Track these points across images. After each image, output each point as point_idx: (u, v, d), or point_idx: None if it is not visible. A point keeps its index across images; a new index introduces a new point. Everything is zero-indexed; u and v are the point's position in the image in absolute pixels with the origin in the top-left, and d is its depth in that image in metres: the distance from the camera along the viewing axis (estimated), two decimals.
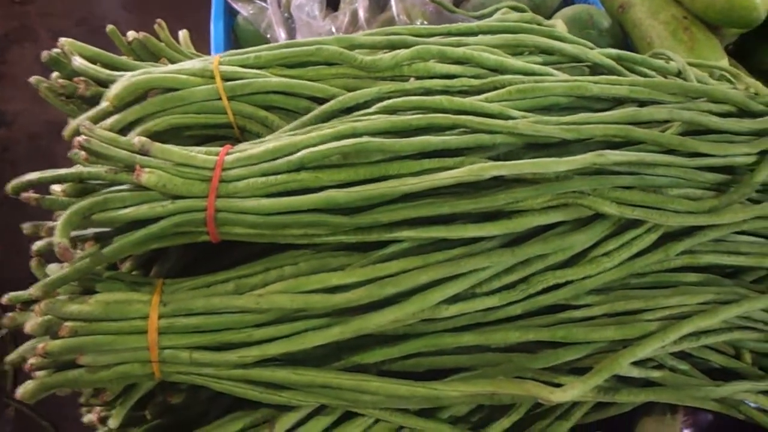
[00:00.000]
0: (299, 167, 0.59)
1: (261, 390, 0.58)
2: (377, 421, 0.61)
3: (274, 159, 0.59)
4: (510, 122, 0.62)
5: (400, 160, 0.60)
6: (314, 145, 0.59)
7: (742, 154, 0.67)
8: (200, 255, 0.68)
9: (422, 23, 1.10)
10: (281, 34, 1.19)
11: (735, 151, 0.67)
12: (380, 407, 0.60)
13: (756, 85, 1.02)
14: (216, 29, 1.25)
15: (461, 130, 0.62)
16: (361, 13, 1.11)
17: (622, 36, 1.24)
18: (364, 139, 0.59)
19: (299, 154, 0.59)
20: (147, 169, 0.57)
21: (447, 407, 0.62)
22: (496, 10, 1.14)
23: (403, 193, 0.58)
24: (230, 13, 1.33)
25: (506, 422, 0.62)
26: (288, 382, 0.58)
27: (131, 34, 0.83)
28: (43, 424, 1.54)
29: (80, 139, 0.58)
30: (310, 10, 1.11)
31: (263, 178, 0.58)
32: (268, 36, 1.23)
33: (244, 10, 1.28)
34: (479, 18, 1.10)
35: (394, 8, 1.10)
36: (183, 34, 0.92)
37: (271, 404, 0.60)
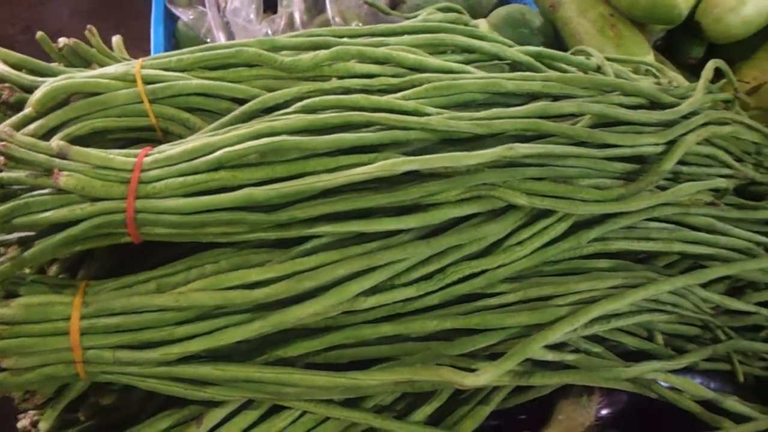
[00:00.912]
0: (217, 166, 0.60)
1: (186, 386, 0.59)
2: (303, 413, 0.63)
3: (192, 159, 0.60)
4: (424, 119, 0.64)
5: (316, 157, 0.61)
6: (232, 145, 0.60)
7: (650, 144, 0.70)
8: (127, 256, 0.69)
9: (357, 25, 1.12)
10: (221, 39, 1.20)
11: (643, 141, 0.70)
12: (304, 399, 0.61)
13: (678, 78, 1.06)
14: (156, 35, 1.26)
15: (377, 127, 0.64)
16: (297, 16, 1.12)
17: (553, 34, 1.28)
18: (281, 137, 0.61)
19: (217, 153, 0.60)
20: (65, 173, 0.58)
21: (371, 397, 0.64)
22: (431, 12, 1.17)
23: (320, 190, 0.60)
24: (171, 19, 1.34)
25: (428, 409, 0.64)
26: (211, 377, 0.59)
27: (62, 41, 0.83)
28: None
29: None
30: (246, 14, 1.12)
31: (181, 178, 0.59)
32: (208, 41, 1.24)
33: (185, 16, 1.28)
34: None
35: (329, 11, 1.11)
36: (116, 39, 0.92)
37: (198, 401, 0.61)
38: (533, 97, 0.74)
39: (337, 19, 1.10)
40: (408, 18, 1.15)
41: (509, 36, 1.13)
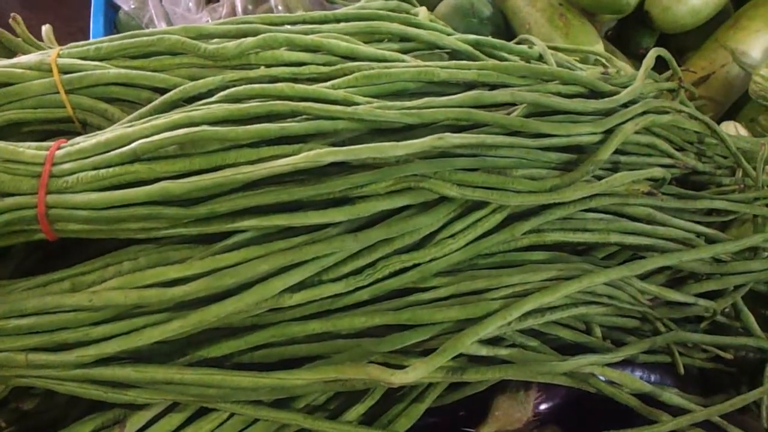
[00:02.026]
0: (133, 159, 0.57)
1: (105, 390, 0.57)
2: (231, 415, 0.61)
3: (106, 151, 0.58)
4: (351, 108, 0.61)
5: (237, 148, 0.59)
6: (148, 136, 0.58)
7: (587, 133, 0.69)
8: (47, 255, 0.66)
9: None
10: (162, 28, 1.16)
11: (579, 131, 0.68)
12: (230, 400, 0.59)
13: (626, 68, 1.05)
14: (95, 24, 1.22)
15: (303, 117, 0.62)
16: (239, 5, 1.09)
17: (503, 24, 1.26)
18: (200, 128, 0.58)
19: (132, 145, 0.57)
20: None
21: (302, 397, 0.62)
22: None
23: (242, 182, 0.58)
24: (112, 8, 1.30)
25: (361, 408, 0.62)
26: (130, 380, 0.56)
27: None
28: None
29: None
30: (185, 3, 1.08)
31: (94, 172, 0.57)
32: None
33: (126, 5, 1.24)
34: None
35: (272, 0, 1.08)
36: (45, 29, 0.88)
37: (121, 404, 0.59)
38: (469, 86, 0.72)
39: (281, 8, 1.08)
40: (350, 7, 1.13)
41: (458, 26, 1.12)
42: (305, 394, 0.61)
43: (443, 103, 0.65)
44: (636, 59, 1.25)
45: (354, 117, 0.61)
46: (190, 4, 1.09)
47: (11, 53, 0.80)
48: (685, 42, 1.23)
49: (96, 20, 1.22)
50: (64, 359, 0.55)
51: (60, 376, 0.56)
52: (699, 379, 0.77)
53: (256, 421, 0.61)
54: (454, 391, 0.66)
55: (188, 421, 0.60)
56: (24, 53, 0.79)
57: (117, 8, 1.27)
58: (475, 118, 0.65)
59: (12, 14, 0.85)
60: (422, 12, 0.86)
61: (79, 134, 0.68)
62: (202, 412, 0.61)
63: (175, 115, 0.59)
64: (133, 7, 1.23)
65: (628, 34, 1.27)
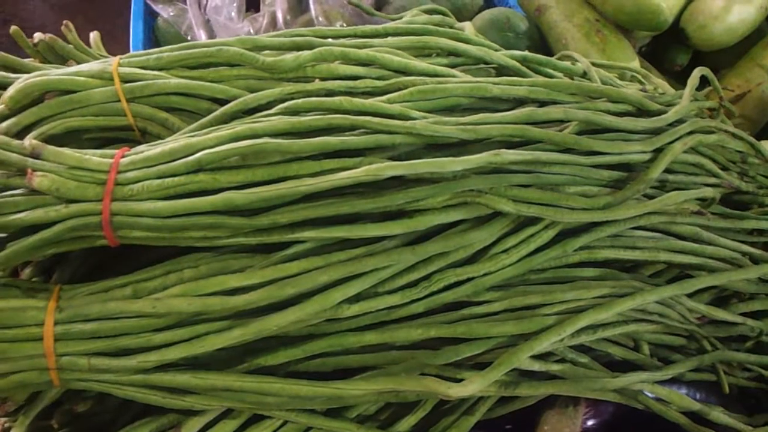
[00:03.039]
0: (197, 169, 0.58)
1: (164, 395, 0.58)
2: (285, 422, 0.61)
3: (171, 161, 0.59)
4: (408, 123, 0.62)
5: (299, 160, 0.60)
6: (212, 147, 0.59)
7: (637, 152, 0.70)
8: (105, 260, 0.67)
9: (341, 25, 1.11)
10: (202, 37, 1.18)
11: (630, 149, 0.69)
12: (285, 408, 0.60)
13: (663, 84, 1.06)
14: (135, 31, 1.24)
15: (362, 131, 0.63)
16: (280, 16, 1.10)
17: (539, 38, 1.27)
18: (263, 140, 0.59)
19: (197, 155, 0.58)
20: (39, 173, 0.56)
21: (354, 406, 0.62)
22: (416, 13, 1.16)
23: (303, 194, 0.58)
24: (151, 15, 1.31)
25: (413, 419, 0.62)
26: (189, 386, 0.57)
27: (37, 36, 0.81)
28: None
29: None
30: (227, 12, 1.10)
31: (159, 180, 0.58)
32: (189, 38, 1.21)
33: (165, 12, 1.26)
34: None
35: (312, 11, 1.10)
36: (94, 35, 0.90)
37: (176, 409, 0.59)
38: (519, 102, 0.73)
39: (321, 19, 1.09)
40: (392, 19, 1.14)
41: (494, 39, 1.13)
42: (358, 404, 0.62)
43: (498, 119, 0.66)
44: (670, 76, 1.25)
45: (412, 132, 0.62)
46: (233, 14, 1.10)
47: (63, 60, 0.82)
48: (720, 60, 1.23)
49: (136, 27, 1.24)
50: (126, 364, 0.56)
51: (120, 381, 0.57)
52: (740, 398, 0.77)
53: (308, 429, 0.61)
54: (502, 405, 0.66)
55: (242, 428, 0.61)
56: (75, 60, 0.81)
57: (156, 15, 1.29)
58: (529, 134, 0.66)
59: (65, 21, 0.87)
60: (468, 27, 0.87)
61: (138, 142, 0.69)
62: (255, 419, 0.61)
63: (238, 127, 0.60)
64: (172, 14, 1.24)
65: (663, 51, 1.28)
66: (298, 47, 0.73)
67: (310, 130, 0.62)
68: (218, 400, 0.58)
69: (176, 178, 0.58)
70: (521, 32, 1.22)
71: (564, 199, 0.64)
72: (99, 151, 0.60)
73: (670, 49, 1.26)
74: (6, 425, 0.66)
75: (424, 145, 0.65)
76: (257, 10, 1.23)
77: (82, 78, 0.66)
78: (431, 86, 0.68)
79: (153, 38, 1.29)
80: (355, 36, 0.77)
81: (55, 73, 0.68)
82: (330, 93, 0.68)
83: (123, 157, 0.59)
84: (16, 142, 0.58)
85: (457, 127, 0.64)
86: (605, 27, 1.16)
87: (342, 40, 0.76)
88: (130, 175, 0.58)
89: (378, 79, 0.71)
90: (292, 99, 0.66)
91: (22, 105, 0.66)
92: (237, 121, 0.64)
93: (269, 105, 0.66)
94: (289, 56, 0.69)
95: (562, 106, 0.70)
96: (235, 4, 1.12)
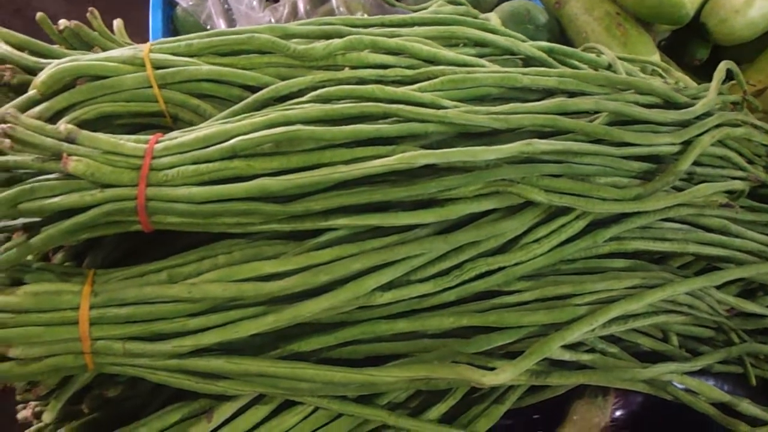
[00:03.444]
0: (231, 155, 0.58)
1: (197, 380, 0.58)
2: (316, 408, 0.61)
3: (205, 147, 0.59)
4: (441, 111, 0.62)
5: (332, 148, 0.60)
6: (246, 133, 0.59)
7: (666, 143, 0.70)
8: (137, 245, 0.67)
9: (362, 15, 1.11)
10: (221, 25, 1.18)
11: (659, 141, 0.69)
12: (318, 395, 0.60)
13: (684, 78, 1.06)
14: (154, 19, 1.23)
15: (394, 119, 0.63)
16: (301, 5, 1.10)
17: (558, 31, 1.27)
18: (297, 127, 0.59)
19: (231, 141, 0.58)
20: (74, 157, 0.56)
21: (385, 393, 0.62)
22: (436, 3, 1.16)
23: (336, 181, 0.59)
24: (170, 4, 1.31)
25: (443, 407, 0.63)
26: (223, 371, 0.57)
27: (62, 23, 0.81)
28: None
29: (4, 126, 0.56)
30: (249, 1, 1.10)
31: (194, 166, 0.58)
32: (208, 27, 1.21)
33: (184, 1, 1.26)
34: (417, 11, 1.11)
35: (333, 1, 1.10)
36: (117, 23, 0.90)
37: (209, 394, 0.60)
38: (548, 92, 0.73)
39: (342, 9, 1.09)
40: (414, 10, 1.14)
41: (514, 31, 1.13)
42: (389, 392, 0.62)
43: (529, 108, 0.66)
44: (689, 70, 1.25)
45: (444, 120, 0.62)
46: (254, 3, 1.10)
47: (88, 47, 0.82)
48: (740, 54, 1.22)
49: (155, 16, 1.23)
50: (161, 349, 0.56)
51: (154, 366, 0.57)
52: (765, 390, 0.77)
53: (339, 416, 0.62)
54: (532, 394, 0.66)
55: (273, 414, 0.61)
56: (101, 47, 0.81)
57: (174, 4, 1.29)
58: (560, 125, 0.66)
59: (90, 9, 0.87)
60: (494, 17, 0.87)
61: (169, 128, 0.69)
62: (286, 405, 0.61)
63: (272, 114, 0.60)
64: (191, 4, 1.24)
65: (682, 45, 1.28)
66: (327, 36, 0.73)
67: (342, 118, 0.62)
68: (251, 386, 0.58)
69: (211, 164, 0.58)
70: (541, 25, 1.21)
71: (595, 190, 0.64)
72: (133, 137, 0.60)
73: (689, 43, 1.26)
74: (37, 409, 0.66)
75: (456, 133, 0.65)
76: (275, 0, 1.23)
77: (113, 64, 0.67)
78: (461, 76, 0.68)
79: (172, 27, 1.29)
80: (383, 25, 0.77)
81: (86, 58, 0.68)
82: (361, 81, 0.68)
83: (157, 142, 0.60)
84: (50, 126, 0.59)
85: (489, 116, 0.64)
86: (626, 20, 1.16)
87: (370, 29, 0.76)
88: (165, 160, 0.58)
89: (407, 68, 0.71)
90: (324, 87, 0.65)
91: (54, 90, 0.66)
92: (269, 109, 0.64)
93: (300, 93, 0.66)
94: (320, 44, 0.69)
95: (592, 97, 0.70)
96: None
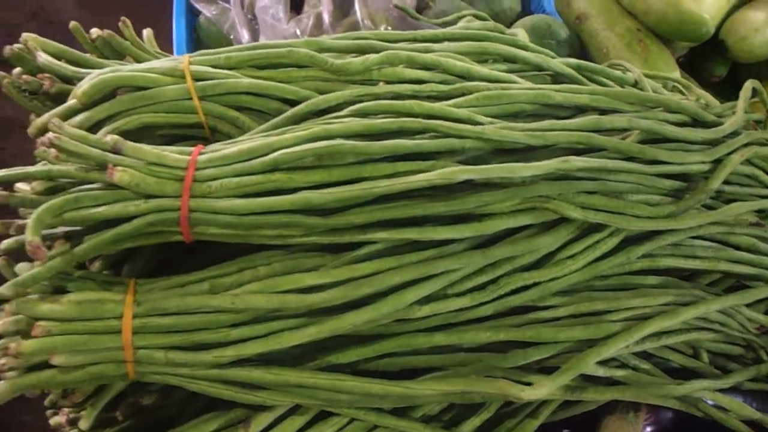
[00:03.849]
0: (273, 168, 0.59)
1: (236, 390, 0.58)
2: (352, 420, 0.62)
3: (248, 159, 0.59)
4: (479, 128, 0.63)
5: (373, 162, 0.60)
6: (288, 147, 0.59)
7: (697, 162, 0.70)
8: (173, 255, 0.67)
9: (386, 28, 1.12)
10: (245, 36, 1.19)
11: (691, 159, 0.70)
12: (355, 406, 0.61)
13: (706, 96, 1.06)
14: (178, 28, 1.24)
15: (432, 134, 0.63)
16: (326, 17, 1.11)
17: (579, 46, 1.28)
18: (338, 141, 0.60)
19: (273, 155, 0.59)
20: (120, 168, 0.57)
21: (420, 406, 0.63)
22: (458, 18, 1.17)
23: (377, 195, 0.59)
24: (192, 13, 1.32)
25: (477, 421, 0.63)
26: (263, 381, 0.58)
27: (95, 32, 0.82)
28: None
29: (50, 136, 0.57)
30: (274, 12, 1.11)
31: (237, 179, 0.58)
32: (231, 37, 1.22)
33: (207, 11, 1.27)
34: (442, 25, 1.12)
35: (358, 13, 1.11)
36: (147, 32, 0.91)
37: (245, 404, 0.60)
38: (579, 109, 0.74)
39: (366, 22, 1.10)
40: (436, 24, 1.15)
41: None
42: (424, 404, 0.63)
43: (564, 126, 0.67)
44: (707, 87, 1.26)
45: (482, 137, 0.63)
46: (281, 14, 1.11)
47: (120, 56, 0.83)
48: (759, 72, 1.23)
49: (178, 24, 1.24)
50: (202, 359, 0.57)
51: (195, 375, 0.58)
52: None
53: (375, 427, 0.62)
54: (564, 409, 0.67)
55: (309, 424, 0.62)
56: (132, 56, 0.82)
57: (197, 13, 1.30)
58: (594, 142, 0.66)
59: (122, 18, 0.87)
60: (522, 33, 0.88)
61: (206, 140, 0.70)
62: (321, 416, 0.62)
63: (314, 128, 0.61)
64: (214, 13, 1.25)
65: (700, 62, 1.29)
66: (362, 50, 0.74)
67: (381, 133, 0.63)
68: (290, 396, 0.59)
69: (253, 177, 0.59)
70: (562, 40, 1.23)
71: (630, 207, 0.65)
72: (176, 148, 0.61)
73: (708, 60, 1.27)
74: (71, 416, 0.67)
75: (492, 149, 0.66)
76: (298, 11, 1.24)
77: (154, 75, 0.67)
78: (496, 92, 0.69)
79: (195, 36, 1.30)
80: (415, 40, 0.78)
81: (126, 69, 0.69)
82: (396, 96, 0.69)
83: (200, 154, 0.60)
84: (94, 137, 0.59)
85: (525, 132, 0.65)
86: (647, 37, 1.17)
87: (402, 44, 0.77)
88: (208, 172, 0.59)
89: (441, 83, 0.72)
90: (361, 101, 0.66)
91: (94, 100, 0.67)
92: (308, 122, 0.65)
93: (339, 107, 0.66)
94: (357, 59, 0.70)
95: (625, 114, 0.71)
96: (281, 5, 1.13)
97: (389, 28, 1.12)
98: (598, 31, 1.21)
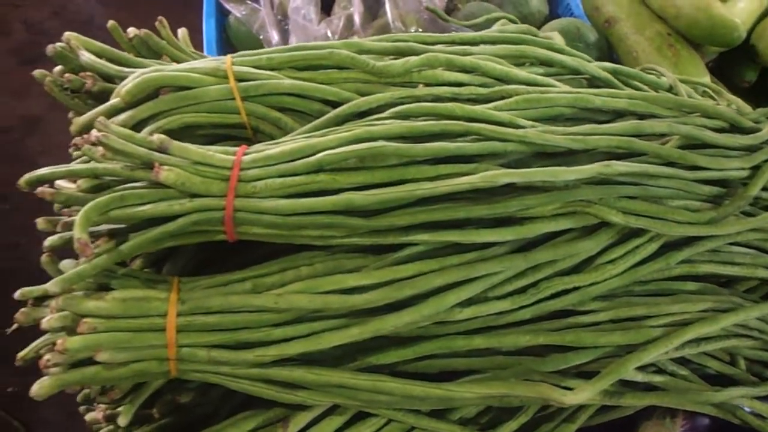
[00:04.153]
0: (317, 169, 0.59)
1: (277, 389, 0.59)
2: (389, 421, 0.62)
3: (292, 160, 0.60)
4: (520, 131, 0.63)
5: (416, 164, 0.61)
6: (332, 148, 0.60)
7: (736, 168, 0.70)
8: (211, 254, 0.68)
9: (416, 30, 1.12)
10: (274, 36, 1.19)
11: (730, 165, 0.70)
12: (394, 407, 0.61)
13: (737, 101, 1.06)
14: (208, 27, 1.25)
15: (474, 137, 0.64)
16: (357, 18, 1.12)
17: (607, 49, 1.27)
18: (381, 143, 0.60)
19: (318, 156, 0.59)
20: (166, 167, 0.58)
21: (457, 409, 0.63)
22: (488, 20, 1.17)
23: (419, 197, 0.60)
24: (222, 13, 1.33)
25: (514, 424, 0.63)
26: (304, 381, 0.58)
27: (132, 31, 0.83)
28: (15, 424, 1.50)
29: (98, 134, 0.58)
30: (306, 13, 1.11)
31: (281, 179, 0.59)
32: (261, 37, 1.23)
33: (237, 11, 1.28)
34: (473, 28, 1.12)
35: (389, 14, 1.11)
36: (182, 32, 0.92)
37: (283, 403, 0.60)
38: (617, 114, 0.74)
39: (397, 23, 1.10)
40: (465, 26, 1.15)
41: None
42: (461, 407, 0.63)
43: (605, 130, 0.67)
44: (736, 92, 1.25)
45: (524, 140, 0.63)
46: (312, 15, 1.11)
47: (156, 55, 0.83)
48: None
49: (208, 24, 1.25)
50: (244, 358, 0.57)
51: (236, 374, 0.58)
52: None
53: (412, 429, 0.62)
54: (600, 414, 0.67)
55: (347, 424, 0.62)
56: (169, 56, 0.83)
57: (227, 12, 1.31)
58: (635, 147, 0.66)
59: (159, 18, 0.88)
60: (557, 37, 0.88)
61: (248, 140, 0.70)
62: (359, 417, 0.62)
63: (356, 129, 0.61)
64: (244, 13, 1.26)
65: (730, 67, 1.28)
66: (401, 52, 0.74)
67: (423, 135, 0.63)
68: (330, 397, 0.59)
69: (297, 178, 0.59)
70: (591, 43, 1.22)
71: (670, 213, 0.64)
72: (220, 148, 0.62)
73: (738, 64, 1.26)
74: (107, 412, 0.67)
75: (533, 153, 0.66)
76: (327, 13, 1.25)
77: (197, 75, 0.68)
78: (536, 96, 0.69)
79: (224, 36, 1.31)
80: (453, 43, 0.78)
81: (170, 69, 0.69)
82: (437, 98, 0.69)
83: (244, 154, 0.61)
84: (139, 135, 0.60)
85: (567, 136, 0.65)
86: (677, 41, 1.17)
87: (440, 46, 0.77)
88: (252, 172, 0.59)
89: (481, 86, 0.72)
90: (402, 103, 0.67)
91: (137, 99, 0.68)
92: (350, 124, 0.65)
93: (380, 108, 0.67)
94: (398, 61, 0.70)
95: (664, 120, 0.71)
96: (313, 6, 1.13)
97: (420, 29, 1.13)
98: (628, 35, 1.21)
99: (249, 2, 1.29)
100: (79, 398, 0.73)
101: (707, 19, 1.12)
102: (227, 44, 1.30)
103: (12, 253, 1.70)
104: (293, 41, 1.16)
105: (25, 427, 1.50)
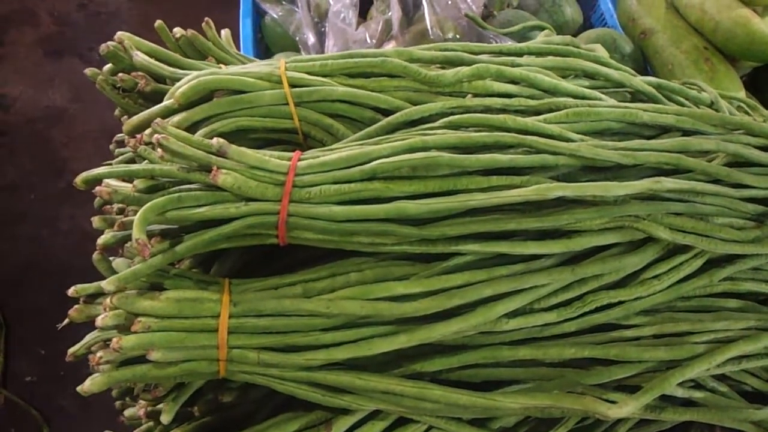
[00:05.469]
0: (371, 177, 0.60)
1: (323, 393, 0.60)
2: (430, 428, 0.63)
3: (346, 167, 0.61)
4: (572, 145, 0.64)
5: (468, 175, 0.61)
6: (386, 156, 0.61)
7: None
8: (258, 256, 0.69)
9: (454, 36, 1.13)
10: (310, 38, 1.20)
11: None
12: (436, 415, 0.62)
13: None
14: (244, 27, 1.26)
15: (525, 149, 0.64)
16: (396, 24, 1.12)
17: (642, 61, 1.28)
18: (435, 153, 0.61)
19: (372, 164, 0.60)
20: (223, 170, 0.58)
21: (497, 418, 0.64)
22: (523, 28, 1.18)
23: (471, 208, 0.60)
24: (258, 13, 1.34)
25: None
26: (351, 386, 0.59)
27: (178, 31, 0.84)
28: (33, 413, 1.52)
29: (159, 137, 0.59)
30: (346, 16, 1.12)
31: (336, 186, 0.60)
32: (297, 39, 1.24)
33: (273, 11, 1.29)
34: (515, 37, 1.12)
35: (428, 20, 1.12)
36: (225, 33, 0.93)
37: (325, 406, 0.61)
38: (663, 129, 0.74)
39: (435, 30, 1.11)
40: (502, 34, 1.16)
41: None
42: (502, 416, 0.64)
43: (654, 146, 0.67)
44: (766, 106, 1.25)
45: (576, 154, 0.64)
46: (352, 19, 1.12)
47: (201, 55, 0.84)
48: None
49: (245, 24, 1.26)
50: (294, 361, 0.58)
51: (283, 376, 0.59)
52: None
53: None
54: (637, 428, 0.67)
55: (388, 430, 0.63)
56: (214, 56, 0.84)
57: (263, 12, 1.32)
58: (683, 163, 0.67)
59: (206, 18, 0.89)
60: (601, 50, 0.89)
61: (298, 145, 0.71)
62: (401, 422, 0.63)
63: (410, 139, 0.62)
64: (280, 14, 1.27)
65: (764, 82, 1.28)
66: (450, 62, 0.75)
67: (476, 146, 0.64)
68: (374, 402, 0.60)
69: (351, 185, 0.60)
70: (627, 54, 1.23)
71: (716, 230, 0.65)
72: (274, 153, 0.62)
73: None
74: (148, 409, 0.69)
75: (581, 166, 0.66)
76: (363, 17, 1.25)
77: (251, 79, 0.69)
78: (585, 109, 0.70)
79: (259, 36, 1.32)
80: (500, 53, 0.79)
81: (224, 72, 0.70)
82: (486, 109, 0.69)
83: (299, 160, 0.62)
84: (197, 138, 0.61)
85: (617, 151, 0.65)
86: (713, 55, 1.17)
87: (487, 56, 0.78)
88: (307, 178, 0.60)
89: (529, 97, 0.73)
90: (453, 113, 0.67)
91: (191, 101, 0.69)
92: (401, 132, 0.66)
93: (431, 118, 0.68)
94: (449, 71, 0.71)
95: (711, 137, 0.71)
96: (352, 10, 1.14)
97: (458, 36, 1.13)
98: (664, 47, 1.21)
99: (285, 3, 1.30)
100: (114, 393, 0.74)
101: (746, 34, 1.12)
102: (262, 45, 1.31)
103: (34, 246, 1.72)
104: (330, 44, 1.17)
105: (42, 415, 1.52)
